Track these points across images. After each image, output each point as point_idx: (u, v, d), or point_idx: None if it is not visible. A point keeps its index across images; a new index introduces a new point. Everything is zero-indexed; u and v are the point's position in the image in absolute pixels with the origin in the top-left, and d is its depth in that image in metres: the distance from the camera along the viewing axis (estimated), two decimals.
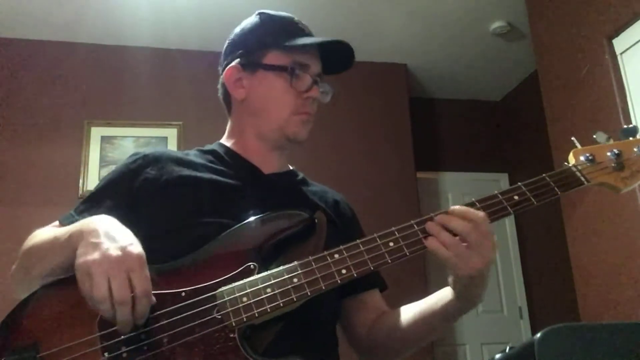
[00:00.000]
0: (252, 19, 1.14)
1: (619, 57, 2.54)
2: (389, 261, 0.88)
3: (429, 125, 4.53)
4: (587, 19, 2.69)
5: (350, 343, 1.14)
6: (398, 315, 1.05)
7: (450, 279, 0.92)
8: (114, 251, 0.79)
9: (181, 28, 3.54)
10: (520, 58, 4.02)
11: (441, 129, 4.62)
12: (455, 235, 0.87)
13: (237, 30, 1.16)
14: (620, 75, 2.51)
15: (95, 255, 0.79)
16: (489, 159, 4.62)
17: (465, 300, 0.93)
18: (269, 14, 1.13)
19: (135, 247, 0.81)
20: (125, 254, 0.79)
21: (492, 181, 4.55)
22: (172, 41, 3.68)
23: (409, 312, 1.03)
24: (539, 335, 0.63)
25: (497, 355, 0.73)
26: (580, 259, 2.68)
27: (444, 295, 0.97)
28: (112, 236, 0.82)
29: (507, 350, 0.73)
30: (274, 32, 1.10)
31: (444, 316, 0.97)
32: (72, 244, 0.84)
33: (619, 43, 2.54)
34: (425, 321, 1.00)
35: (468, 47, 3.93)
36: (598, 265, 2.56)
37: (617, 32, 2.53)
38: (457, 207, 0.90)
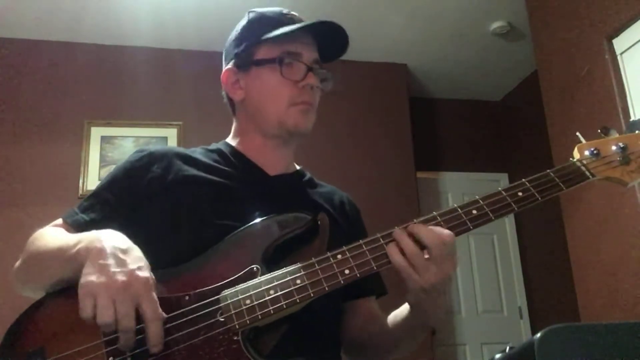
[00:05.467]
0: (242, 21, 1.14)
1: (619, 57, 2.53)
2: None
3: (429, 125, 4.53)
4: (587, 19, 2.69)
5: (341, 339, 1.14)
6: (379, 323, 1.06)
7: (406, 292, 0.92)
8: (121, 276, 0.78)
9: (181, 28, 3.54)
10: (520, 58, 4.02)
11: (441, 129, 4.62)
12: (420, 246, 0.85)
13: (231, 34, 1.16)
14: (620, 75, 2.51)
15: (102, 278, 0.78)
16: (489, 159, 4.62)
17: (420, 315, 0.93)
18: (257, 12, 1.12)
19: (143, 271, 0.81)
20: (133, 279, 0.78)
21: (492, 181, 4.55)
22: (172, 41, 3.68)
23: (385, 322, 1.04)
24: (539, 335, 0.63)
25: (497, 355, 0.73)
26: (580, 259, 2.68)
27: (403, 308, 0.98)
28: (120, 259, 0.81)
29: (507, 350, 0.73)
30: (261, 27, 1.08)
31: (406, 330, 0.98)
32: (78, 261, 0.83)
33: (619, 43, 2.54)
34: (391, 333, 1.01)
35: (468, 47, 3.93)
36: (598, 265, 2.56)
37: (617, 32, 2.53)
38: (421, 225, 0.87)
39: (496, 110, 4.76)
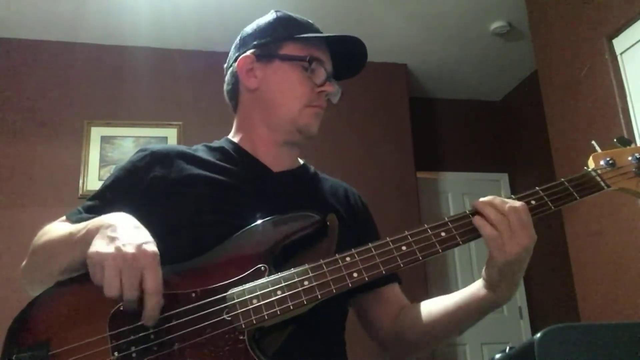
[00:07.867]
0: (268, 16, 1.15)
1: (619, 57, 2.54)
2: (401, 265, 0.88)
3: (429, 125, 4.53)
4: (587, 19, 2.69)
5: (372, 336, 1.12)
6: (421, 309, 1.04)
7: (484, 271, 0.92)
8: (129, 248, 0.79)
9: (181, 28, 3.54)
10: (520, 58, 4.02)
11: (441, 129, 4.62)
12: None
13: (251, 25, 1.16)
14: (620, 75, 2.51)
15: (110, 248, 0.80)
16: (489, 159, 4.62)
17: (499, 294, 0.93)
18: (285, 12, 1.15)
19: (151, 245, 0.82)
20: (140, 251, 0.80)
21: (492, 181, 4.55)
22: (172, 41, 3.68)
23: (434, 307, 1.02)
24: (539, 335, 0.63)
25: (497, 355, 0.73)
26: (580, 259, 2.68)
27: (474, 290, 0.97)
28: (129, 233, 0.83)
29: (507, 350, 0.73)
30: (292, 26, 1.11)
31: (477, 312, 0.97)
32: (88, 240, 0.84)
33: (619, 43, 2.54)
34: (453, 317, 0.99)
35: (468, 47, 3.93)
36: (598, 265, 2.56)
37: (617, 32, 2.53)
38: (491, 198, 0.90)
39: (496, 110, 4.76)
